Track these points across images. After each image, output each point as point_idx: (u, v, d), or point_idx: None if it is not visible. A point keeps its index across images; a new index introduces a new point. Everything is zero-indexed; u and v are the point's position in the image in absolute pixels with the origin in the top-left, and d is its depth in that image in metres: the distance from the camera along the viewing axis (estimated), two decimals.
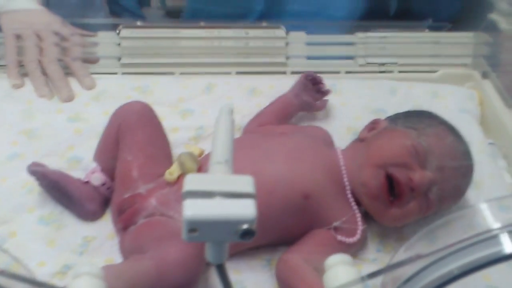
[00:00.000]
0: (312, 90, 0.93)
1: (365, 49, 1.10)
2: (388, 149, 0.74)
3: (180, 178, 0.75)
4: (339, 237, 0.73)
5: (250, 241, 0.39)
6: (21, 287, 0.43)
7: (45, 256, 0.73)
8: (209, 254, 0.40)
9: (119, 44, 1.06)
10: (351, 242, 0.73)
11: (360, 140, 0.82)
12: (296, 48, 1.10)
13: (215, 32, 1.08)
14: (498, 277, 0.72)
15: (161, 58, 1.08)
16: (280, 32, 1.09)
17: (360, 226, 0.74)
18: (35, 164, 0.78)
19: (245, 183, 0.40)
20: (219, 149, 0.43)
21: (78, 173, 0.81)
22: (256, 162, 0.75)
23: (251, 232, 0.38)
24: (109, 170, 0.79)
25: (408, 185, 0.71)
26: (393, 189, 0.72)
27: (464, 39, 1.12)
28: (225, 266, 0.41)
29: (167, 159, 0.82)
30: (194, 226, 0.38)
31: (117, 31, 1.07)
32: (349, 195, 0.75)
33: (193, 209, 0.38)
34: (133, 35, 1.07)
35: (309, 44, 1.10)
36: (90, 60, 1.06)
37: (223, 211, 0.38)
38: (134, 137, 0.79)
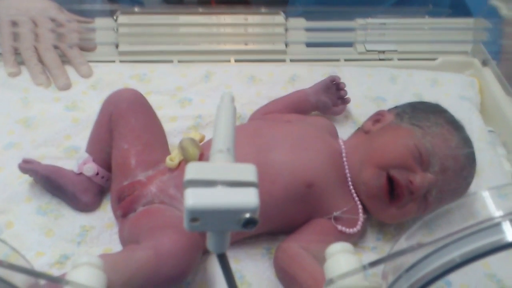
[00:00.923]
0: (334, 94, 0.91)
1: (365, 36, 1.09)
2: (391, 150, 0.73)
3: (180, 164, 0.75)
4: (340, 227, 0.73)
5: (252, 230, 0.38)
6: (19, 278, 0.43)
7: (43, 246, 0.72)
8: (210, 243, 0.40)
9: (116, 31, 1.05)
10: (352, 232, 0.73)
11: (364, 131, 0.81)
12: (295, 34, 1.09)
13: (214, 18, 1.07)
14: (497, 265, 0.73)
15: (159, 46, 1.06)
16: (279, 18, 1.08)
17: (361, 217, 0.74)
18: (25, 161, 0.77)
19: (247, 171, 0.39)
20: (220, 137, 0.43)
21: (75, 163, 0.80)
22: (259, 150, 0.74)
23: (254, 221, 0.38)
24: (103, 160, 0.78)
25: (408, 187, 0.71)
26: (393, 189, 0.72)
27: (464, 25, 1.11)
28: (226, 255, 0.41)
29: (164, 145, 0.81)
30: (196, 216, 0.37)
31: (115, 17, 1.06)
32: (351, 186, 0.75)
33: (194, 198, 0.37)
34: (131, 22, 1.06)
35: (308, 30, 1.09)
36: (87, 48, 1.05)
37: (225, 200, 0.38)
38: (128, 125, 0.77)
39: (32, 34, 0.98)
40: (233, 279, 0.42)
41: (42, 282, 0.44)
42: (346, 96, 0.91)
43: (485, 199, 0.45)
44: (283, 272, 0.70)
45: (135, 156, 0.76)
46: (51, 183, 0.77)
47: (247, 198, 0.38)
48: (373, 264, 0.45)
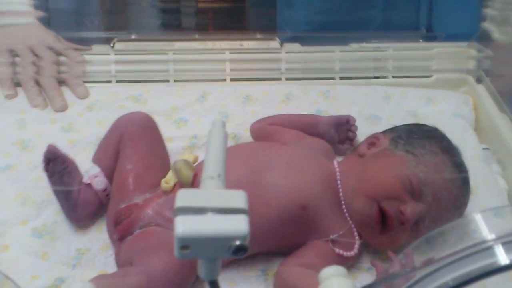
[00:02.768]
0: (343, 133, 0.91)
1: (359, 59, 1.10)
2: (383, 180, 0.73)
3: (175, 186, 0.75)
4: (337, 250, 0.73)
5: (242, 257, 0.38)
6: None
7: (38, 269, 0.72)
8: (201, 270, 0.40)
9: (113, 59, 1.06)
10: (349, 256, 0.73)
11: (359, 154, 0.81)
12: (290, 60, 1.09)
13: (209, 44, 1.08)
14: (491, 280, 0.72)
15: (155, 65, 1.07)
16: (275, 43, 1.09)
17: (357, 241, 0.74)
18: (52, 145, 0.76)
19: (238, 198, 0.39)
20: (211, 164, 0.43)
21: (85, 174, 0.80)
22: (254, 171, 0.74)
23: (244, 248, 0.38)
24: (108, 177, 0.79)
25: (398, 218, 0.71)
26: (384, 219, 0.72)
27: (457, 49, 1.12)
28: (218, 282, 0.41)
29: (166, 169, 0.81)
30: (186, 243, 0.37)
31: (111, 44, 1.07)
32: (345, 210, 0.75)
33: (184, 226, 0.37)
34: (128, 48, 1.07)
35: (303, 56, 1.10)
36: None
37: (215, 227, 0.37)
38: (135, 147, 0.79)
39: (31, 65, 0.99)
40: None
41: None
42: (353, 136, 0.90)
43: (478, 222, 0.45)
44: None
45: (135, 178, 0.76)
46: (66, 180, 0.76)
47: (237, 225, 0.38)
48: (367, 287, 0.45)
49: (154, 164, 0.79)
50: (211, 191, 0.41)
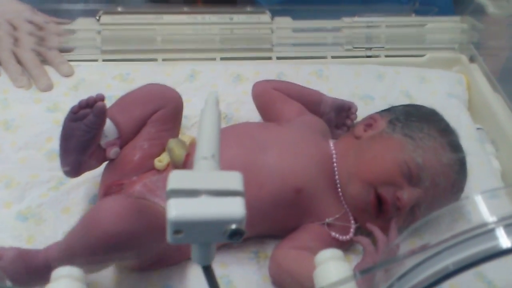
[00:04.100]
0: (342, 118, 0.88)
1: (352, 35, 1.08)
2: (380, 165, 0.71)
3: (169, 165, 0.74)
4: (333, 234, 0.72)
5: (239, 241, 0.37)
6: None
7: None
8: (195, 255, 0.38)
9: (99, 32, 1.02)
10: (344, 239, 0.72)
11: (355, 136, 0.79)
12: (281, 34, 1.07)
13: (198, 18, 1.05)
14: (488, 266, 0.72)
15: (143, 44, 1.04)
16: (265, 17, 1.06)
17: (353, 224, 0.73)
18: (102, 98, 0.69)
19: (233, 179, 0.38)
20: (204, 144, 0.41)
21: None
22: (249, 153, 0.72)
23: (240, 232, 0.36)
24: (121, 145, 0.74)
25: (395, 204, 0.70)
26: (380, 204, 0.71)
27: (451, 23, 1.10)
28: (212, 268, 0.39)
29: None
30: (179, 228, 0.35)
31: (97, 17, 1.03)
32: (340, 194, 0.74)
33: (177, 209, 0.35)
34: (114, 21, 1.03)
35: (295, 30, 1.07)
36: (65, 49, 1.01)
37: (210, 210, 0.36)
38: (160, 129, 0.75)
39: (10, 37, 0.96)
40: None
41: None
42: (350, 123, 0.88)
43: (478, 204, 0.44)
44: (281, 278, 0.68)
45: (144, 158, 0.74)
46: (87, 135, 0.68)
47: (233, 208, 0.36)
48: (364, 272, 0.43)
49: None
50: (205, 173, 0.39)
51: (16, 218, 0.74)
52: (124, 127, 0.73)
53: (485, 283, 0.70)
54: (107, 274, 0.69)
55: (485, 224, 0.41)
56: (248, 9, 1.07)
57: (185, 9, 1.06)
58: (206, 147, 0.41)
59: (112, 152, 0.72)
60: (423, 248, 0.41)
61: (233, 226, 0.36)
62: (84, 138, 0.69)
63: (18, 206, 0.75)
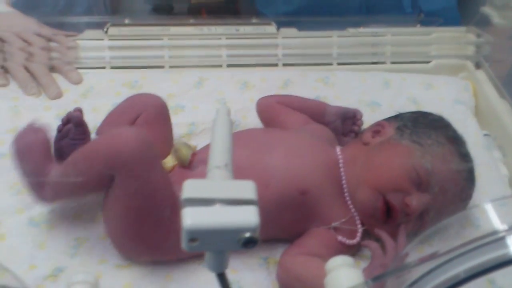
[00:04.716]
0: (349, 125, 0.88)
1: (357, 43, 1.08)
2: (388, 172, 0.72)
3: (174, 167, 0.75)
4: (340, 238, 0.72)
5: (252, 249, 0.37)
6: None
7: (36, 259, 0.71)
8: (209, 263, 0.39)
9: (107, 45, 1.04)
10: (351, 244, 0.72)
11: (363, 143, 0.79)
12: (287, 44, 1.07)
13: (204, 30, 1.06)
14: (498, 272, 0.72)
15: (150, 51, 1.05)
16: (271, 28, 1.07)
17: (360, 228, 0.73)
18: (80, 110, 0.75)
19: (246, 188, 0.38)
20: (217, 153, 0.42)
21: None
22: (254, 154, 0.73)
23: (254, 240, 0.37)
24: None
25: (403, 210, 0.70)
26: (388, 210, 0.71)
27: (456, 33, 1.11)
28: (226, 275, 0.40)
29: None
30: (195, 236, 0.36)
31: (105, 30, 1.04)
32: (347, 198, 0.74)
33: (193, 217, 0.36)
34: (121, 33, 1.05)
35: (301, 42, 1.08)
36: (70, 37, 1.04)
37: (224, 219, 0.37)
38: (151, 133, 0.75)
39: (20, 51, 0.97)
40: None
41: None
42: (357, 129, 0.88)
43: (488, 212, 0.45)
44: (289, 284, 0.69)
45: None
46: (83, 138, 0.74)
47: (247, 217, 0.37)
48: (375, 279, 0.44)
49: (163, 151, 0.78)
50: (219, 182, 0.40)
51: (28, 224, 0.75)
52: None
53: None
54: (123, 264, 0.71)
55: (495, 232, 0.41)
56: (254, 20, 1.08)
57: (191, 20, 1.07)
58: (219, 157, 0.41)
59: None
60: (434, 256, 0.42)
61: (247, 234, 0.36)
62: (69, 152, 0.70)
63: (30, 212, 0.76)
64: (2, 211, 0.76)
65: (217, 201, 0.37)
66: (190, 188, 0.38)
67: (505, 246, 0.40)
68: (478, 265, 0.40)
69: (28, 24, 1.02)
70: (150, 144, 0.65)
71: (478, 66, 1.08)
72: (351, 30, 1.09)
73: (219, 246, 0.37)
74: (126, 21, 1.07)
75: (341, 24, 1.10)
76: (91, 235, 0.75)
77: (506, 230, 0.41)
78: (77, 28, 1.06)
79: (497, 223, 0.42)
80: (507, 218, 0.42)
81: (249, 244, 0.37)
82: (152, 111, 0.80)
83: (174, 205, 0.63)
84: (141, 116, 0.79)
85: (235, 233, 0.37)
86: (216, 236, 0.37)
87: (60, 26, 1.06)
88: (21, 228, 0.74)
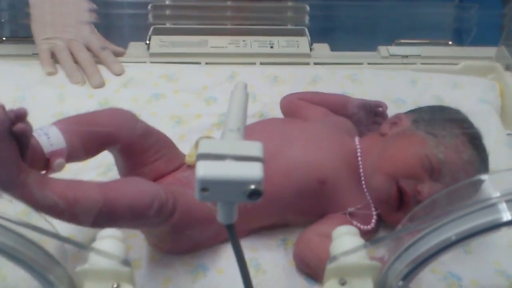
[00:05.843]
0: (372, 117, 0.91)
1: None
2: (402, 159, 0.75)
3: None
4: (355, 223, 0.75)
5: (257, 202, 0.41)
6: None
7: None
8: (220, 214, 0.44)
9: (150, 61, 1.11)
10: (366, 229, 0.75)
11: (380, 133, 0.83)
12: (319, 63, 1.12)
13: (240, 41, 1.13)
14: (508, 263, 0.74)
15: (189, 48, 1.12)
16: (304, 41, 1.13)
17: (374, 215, 0.76)
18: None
19: (254, 147, 0.43)
20: (232, 118, 0.47)
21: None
22: (275, 145, 0.77)
23: (258, 192, 0.41)
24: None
25: (416, 197, 0.73)
26: (401, 196, 0.74)
27: (486, 53, 1.12)
28: (234, 227, 0.44)
29: (171, 149, 0.80)
30: (205, 185, 0.41)
31: (146, 42, 1.13)
32: (364, 186, 0.78)
33: (204, 169, 0.41)
34: (162, 43, 1.13)
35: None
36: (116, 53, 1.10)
37: (233, 172, 0.41)
38: (140, 154, 0.75)
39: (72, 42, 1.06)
40: (240, 248, 0.45)
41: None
42: (380, 120, 0.90)
43: (485, 182, 0.47)
44: (304, 262, 0.72)
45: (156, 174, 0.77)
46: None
47: (253, 171, 0.41)
48: (374, 242, 0.47)
49: (165, 154, 0.77)
50: (231, 141, 0.44)
51: None
52: (72, 139, 0.65)
53: (505, 277, 0.72)
54: (143, 254, 0.74)
55: (487, 199, 0.44)
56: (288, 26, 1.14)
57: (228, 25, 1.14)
58: (233, 121, 0.46)
59: (56, 163, 0.63)
60: (428, 220, 0.45)
61: (252, 187, 0.41)
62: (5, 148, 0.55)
63: None
64: None
65: (228, 157, 0.42)
66: (205, 145, 0.43)
67: (495, 211, 0.43)
68: (468, 229, 0.43)
69: (81, 27, 1.08)
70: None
71: (508, 68, 1.08)
72: (382, 50, 1.13)
73: (228, 197, 0.42)
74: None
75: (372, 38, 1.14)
76: None
77: (497, 197, 0.43)
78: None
79: (490, 191, 0.45)
80: (501, 187, 0.45)
81: (254, 195, 0.41)
82: (128, 133, 0.72)
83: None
84: (120, 141, 0.72)
85: (241, 184, 0.41)
86: (225, 187, 0.41)
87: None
88: None
